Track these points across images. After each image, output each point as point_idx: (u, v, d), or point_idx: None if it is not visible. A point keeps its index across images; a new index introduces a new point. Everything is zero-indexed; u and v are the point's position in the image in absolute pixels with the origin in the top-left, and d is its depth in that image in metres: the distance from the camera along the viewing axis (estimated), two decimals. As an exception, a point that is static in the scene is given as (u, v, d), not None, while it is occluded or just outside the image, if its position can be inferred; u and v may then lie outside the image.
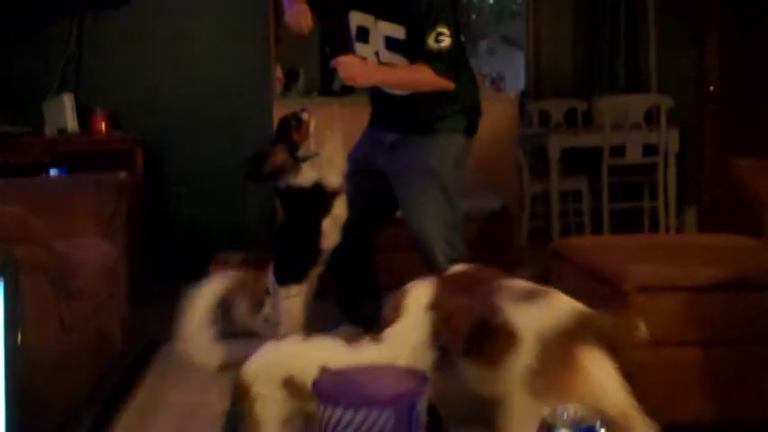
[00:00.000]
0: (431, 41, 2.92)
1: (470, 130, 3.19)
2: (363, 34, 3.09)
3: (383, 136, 3.20)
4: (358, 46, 3.12)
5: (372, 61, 3.07)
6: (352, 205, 3.07)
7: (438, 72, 2.93)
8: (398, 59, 3.04)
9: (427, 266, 3.05)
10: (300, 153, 2.98)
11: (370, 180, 3.19)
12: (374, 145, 3.23)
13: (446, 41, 2.93)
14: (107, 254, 3.33)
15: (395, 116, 3.18)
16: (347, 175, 3.09)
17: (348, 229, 3.07)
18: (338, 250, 3.08)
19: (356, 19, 3.10)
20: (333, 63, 2.97)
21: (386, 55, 3.05)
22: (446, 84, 2.98)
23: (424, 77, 2.96)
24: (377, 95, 3.23)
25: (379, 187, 3.18)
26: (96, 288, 3.09)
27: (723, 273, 2.59)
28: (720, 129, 5.98)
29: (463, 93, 3.11)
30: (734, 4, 5.87)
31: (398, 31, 3.00)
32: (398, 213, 3.31)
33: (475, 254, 4.37)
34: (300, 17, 3.05)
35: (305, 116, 3.01)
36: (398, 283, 3.46)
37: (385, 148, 3.18)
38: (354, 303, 3.36)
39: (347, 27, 3.13)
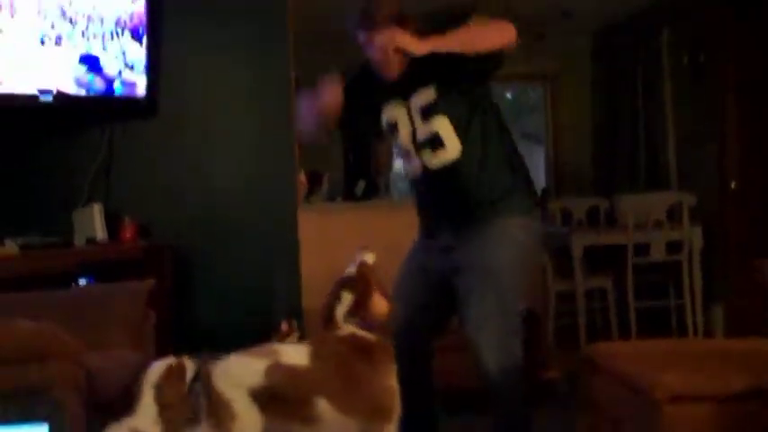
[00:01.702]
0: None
1: (528, 206, 3.02)
2: (393, 128, 3.04)
3: (434, 242, 3.03)
4: (393, 137, 3.07)
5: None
6: (411, 316, 2.98)
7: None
8: (438, 120, 2.91)
9: (479, 375, 2.96)
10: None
11: (426, 288, 3.06)
12: (426, 252, 3.06)
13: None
14: (137, 364, 3.33)
15: (446, 209, 3.01)
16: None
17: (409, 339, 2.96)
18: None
19: (387, 114, 3.03)
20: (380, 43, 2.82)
21: (423, 127, 2.93)
22: (508, 27, 2.85)
23: (482, 27, 2.85)
24: (422, 189, 3.08)
25: (435, 293, 3.05)
26: (127, 400, 3.09)
27: (755, 381, 2.56)
28: (744, 225, 5.97)
29: (520, 162, 3.04)
30: (752, 97, 5.93)
31: (429, 94, 2.91)
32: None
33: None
34: (333, 96, 2.94)
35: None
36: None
37: (438, 252, 3.01)
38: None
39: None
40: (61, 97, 4.20)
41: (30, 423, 2.05)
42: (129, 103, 4.50)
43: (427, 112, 2.91)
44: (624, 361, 2.94)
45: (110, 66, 4.35)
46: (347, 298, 2.60)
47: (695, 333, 5.71)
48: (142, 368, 3.00)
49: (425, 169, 2.98)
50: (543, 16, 6.91)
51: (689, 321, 5.71)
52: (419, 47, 2.77)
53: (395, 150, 3.21)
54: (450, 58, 2.76)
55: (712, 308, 5.98)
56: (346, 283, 2.64)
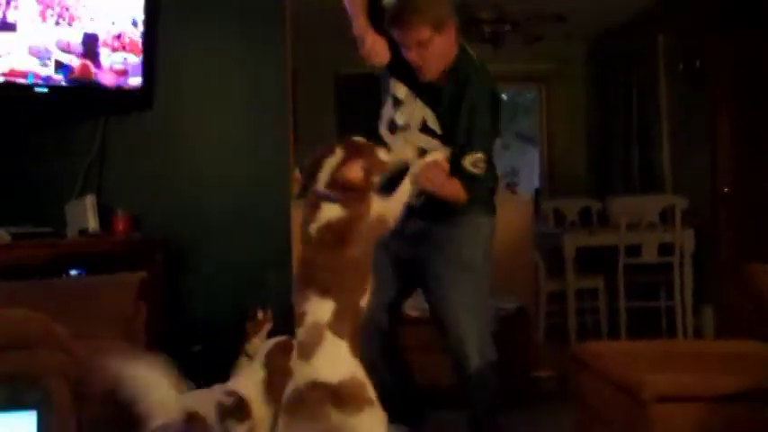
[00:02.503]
0: (467, 164, 2.91)
1: (493, 209, 3.17)
2: (398, 103, 3.08)
3: (401, 225, 2.93)
4: (394, 112, 3.09)
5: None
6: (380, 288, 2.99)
7: (467, 193, 2.94)
8: (430, 142, 2.99)
9: (457, 364, 3.06)
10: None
11: (394, 271, 3.13)
12: (395, 237, 2.98)
13: (481, 169, 2.93)
14: (127, 356, 3.34)
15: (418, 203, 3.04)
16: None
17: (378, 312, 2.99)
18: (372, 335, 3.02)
19: (398, 90, 3.07)
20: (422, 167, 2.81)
21: (419, 137, 3.02)
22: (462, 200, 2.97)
23: (455, 192, 2.94)
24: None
25: (401, 278, 3.16)
26: (117, 391, 3.09)
27: (743, 382, 2.57)
28: (735, 228, 6.00)
29: (490, 177, 3.09)
30: (745, 103, 5.95)
31: (434, 123, 2.99)
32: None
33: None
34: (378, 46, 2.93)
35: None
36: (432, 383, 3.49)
37: (405, 238, 3.06)
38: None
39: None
40: (56, 88, 4.19)
41: (18, 410, 2.05)
42: (125, 94, 4.50)
43: (426, 130, 3.01)
44: (613, 361, 2.96)
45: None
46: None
47: (685, 334, 5.74)
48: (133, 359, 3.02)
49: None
50: (539, 20, 6.93)
51: (679, 323, 5.74)
52: (439, 189, 2.90)
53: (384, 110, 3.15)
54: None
55: (702, 310, 6.00)
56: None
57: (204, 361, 4.02)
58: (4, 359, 2.48)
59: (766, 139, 5.77)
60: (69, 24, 4.19)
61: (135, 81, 4.48)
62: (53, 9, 4.11)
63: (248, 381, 2.83)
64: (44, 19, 4.09)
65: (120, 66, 4.41)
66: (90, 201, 4.34)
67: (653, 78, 7.04)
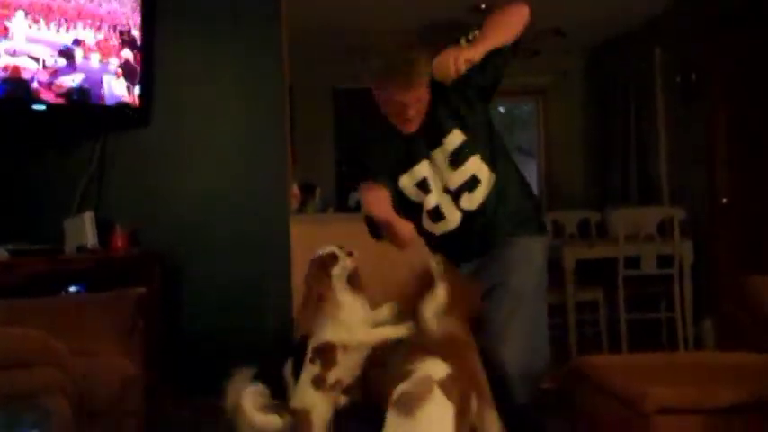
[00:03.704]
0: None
1: (544, 227, 3.02)
2: (425, 184, 2.89)
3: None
4: (427, 197, 2.90)
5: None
6: None
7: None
8: (471, 161, 2.83)
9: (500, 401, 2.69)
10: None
11: None
12: None
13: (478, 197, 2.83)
14: (125, 371, 3.34)
15: (472, 242, 2.90)
16: None
17: None
18: None
19: (411, 176, 2.88)
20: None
21: (455, 174, 2.84)
22: (520, 5, 2.92)
23: (503, 15, 2.89)
24: (451, 235, 2.91)
25: None
26: (115, 407, 3.09)
27: (743, 394, 2.57)
28: (734, 240, 6.00)
29: (529, 188, 3.01)
30: (742, 115, 5.96)
31: (456, 136, 2.82)
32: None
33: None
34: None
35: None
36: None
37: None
38: None
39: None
40: (54, 106, 4.20)
41: (18, 430, 2.04)
42: (123, 112, 4.50)
43: (457, 157, 2.82)
44: (614, 373, 2.95)
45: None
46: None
47: (686, 346, 5.72)
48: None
49: (464, 213, 2.87)
50: (536, 34, 6.94)
51: (679, 334, 5.73)
52: (477, 52, 2.74)
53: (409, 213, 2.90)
54: (464, 81, 2.76)
55: (703, 321, 5.99)
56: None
57: (203, 376, 4.01)
58: (2, 377, 2.47)
59: (763, 151, 5.77)
60: (67, 42, 4.21)
61: (133, 98, 4.49)
62: (53, 25, 4.12)
63: None
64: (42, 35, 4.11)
65: (118, 83, 4.41)
66: (88, 217, 4.35)
67: (650, 91, 7.06)
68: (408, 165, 2.87)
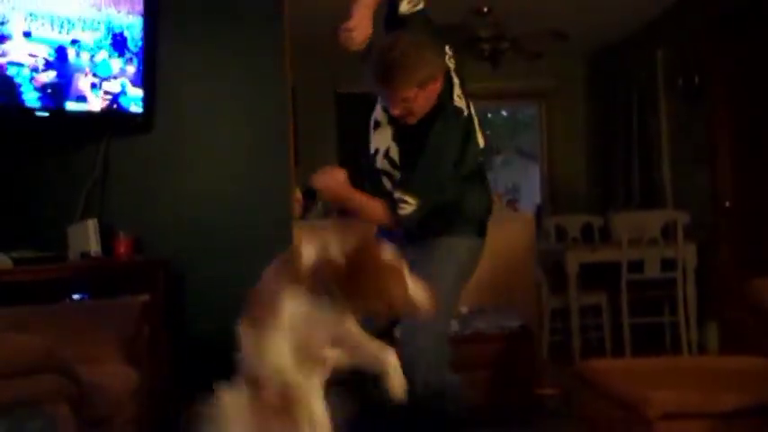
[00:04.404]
0: (395, 196, 2.90)
1: (482, 231, 3.11)
2: (377, 125, 3.10)
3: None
4: (373, 133, 3.11)
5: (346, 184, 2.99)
6: None
7: (391, 213, 2.90)
8: (390, 171, 3.03)
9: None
10: None
11: None
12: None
13: (404, 211, 2.87)
14: (130, 379, 3.34)
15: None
16: None
17: None
18: None
19: (377, 112, 3.09)
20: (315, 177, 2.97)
21: (383, 162, 3.04)
22: (389, 222, 2.94)
23: (376, 215, 2.93)
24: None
25: None
26: (119, 415, 3.09)
27: (747, 399, 2.57)
28: (737, 243, 6.00)
29: (469, 209, 3.06)
30: (744, 118, 5.96)
31: (395, 154, 3.02)
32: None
33: (496, 371, 4.39)
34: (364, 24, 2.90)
35: None
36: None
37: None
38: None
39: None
40: (57, 112, 4.21)
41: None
42: (126, 118, 4.51)
43: (395, 165, 3.01)
44: (617, 378, 2.95)
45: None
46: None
47: (689, 350, 5.72)
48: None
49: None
50: (538, 37, 6.95)
51: (683, 338, 5.72)
52: (334, 196, 3.05)
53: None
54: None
55: (706, 325, 5.99)
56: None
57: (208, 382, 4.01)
58: (7, 386, 2.47)
59: (766, 153, 5.77)
60: (68, 48, 4.22)
61: (135, 104, 4.49)
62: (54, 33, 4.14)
63: None
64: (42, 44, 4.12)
65: (120, 89, 4.42)
66: (92, 224, 4.34)
67: (652, 94, 7.06)
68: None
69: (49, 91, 4.15)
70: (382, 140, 3.09)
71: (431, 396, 2.84)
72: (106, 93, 4.36)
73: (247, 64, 4.85)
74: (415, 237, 3.02)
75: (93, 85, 4.31)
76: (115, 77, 4.39)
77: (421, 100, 2.86)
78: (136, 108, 4.49)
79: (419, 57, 2.81)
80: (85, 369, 2.87)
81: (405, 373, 2.61)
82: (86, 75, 4.27)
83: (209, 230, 4.72)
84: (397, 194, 2.90)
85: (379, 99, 3.09)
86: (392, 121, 3.03)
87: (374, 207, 2.93)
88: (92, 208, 4.57)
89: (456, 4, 6.23)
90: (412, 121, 2.93)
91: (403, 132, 3.02)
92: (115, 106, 4.41)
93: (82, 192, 4.58)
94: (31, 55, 4.08)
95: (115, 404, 3.04)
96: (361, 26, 2.88)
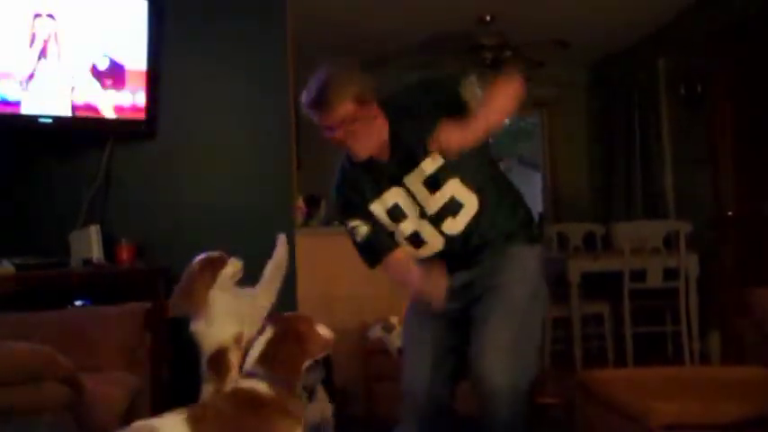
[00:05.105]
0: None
1: (539, 237, 2.95)
2: (397, 211, 2.82)
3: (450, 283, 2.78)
4: (401, 224, 2.83)
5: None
6: (436, 362, 2.86)
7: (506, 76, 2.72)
8: (450, 184, 2.74)
9: (487, 418, 2.67)
10: None
11: (448, 330, 2.89)
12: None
13: (460, 221, 2.76)
14: (131, 386, 3.34)
15: (463, 257, 2.82)
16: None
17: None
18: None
19: (383, 203, 2.82)
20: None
21: (433, 199, 2.76)
22: (520, 81, 2.76)
23: (509, 86, 2.72)
24: (438, 255, 2.83)
25: (456, 332, 2.85)
26: (121, 422, 3.08)
27: (749, 410, 2.56)
28: (740, 253, 5.99)
29: (522, 209, 2.91)
30: (747, 127, 5.96)
31: (435, 160, 2.72)
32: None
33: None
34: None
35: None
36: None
37: (455, 292, 2.80)
38: None
39: None
40: (60, 119, 4.22)
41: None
42: (128, 125, 4.51)
43: (434, 181, 2.74)
44: (619, 388, 2.95)
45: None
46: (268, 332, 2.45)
47: (692, 359, 5.71)
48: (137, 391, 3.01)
49: (446, 237, 2.80)
50: (540, 45, 6.96)
51: (685, 348, 5.71)
52: (475, 135, 2.55)
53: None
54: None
55: (709, 335, 5.98)
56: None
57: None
58: (9, 393, 2.47)
59: (768, 163, 5.78)
60: (71, 55, 4.23)
61: (138, 111, 4.50)
62: (56, 40, 4.15)
63: None
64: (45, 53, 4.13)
65: (124, 96, 4.43)
66: (94, 230, 4.35)
67: (654, 102, 7.06)
68: (378, 192, 2.80)
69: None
70: (401, 199, 2.82)
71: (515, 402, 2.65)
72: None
73: (249, 71, 4.86)
74: (472, 272, 2.84)
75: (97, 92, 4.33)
76: (118, 85, 4.40)
77: (362, 124, 2.68)
78: (138, 116, 4.50)
79: (350, 74, 2.71)
80: (88, 376, 2.87)
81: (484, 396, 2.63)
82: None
83: (211, 237, 4.70)
84: (454, 187, 2.73)
85: (344, 170, 2.89)
86: (390, 181, 2.80)
87: (499, 87, 2.71)
88: (94, 215, 4.58)
89: (459, 12, 6.24)
90: (360, 154, 2.74)
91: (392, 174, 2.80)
92: (118, 114, 4.42)
93: (84, 199, 4.59)
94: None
95: (117, 412, 3.04)
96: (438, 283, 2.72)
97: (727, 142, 6.11)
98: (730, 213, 6.04)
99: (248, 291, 3.03)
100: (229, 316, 2.91)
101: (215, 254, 3.09)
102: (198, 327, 2.93)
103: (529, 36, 6.83)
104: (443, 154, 2.63)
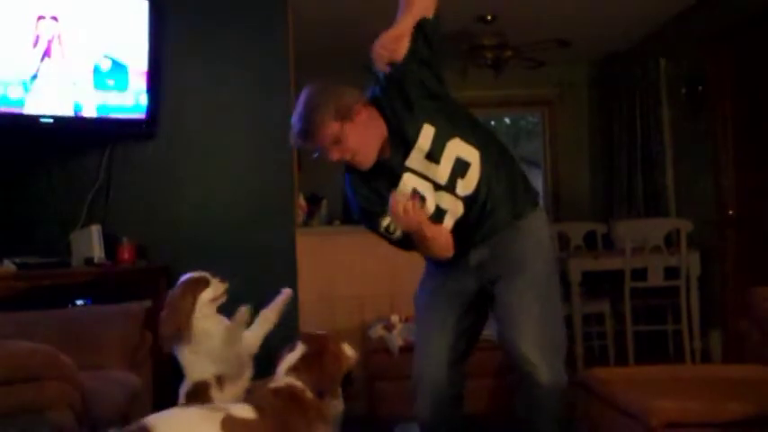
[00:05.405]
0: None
1: (537, 195, 2.96)
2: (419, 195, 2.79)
3: (465, 263, 2.84)
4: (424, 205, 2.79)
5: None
6: (452, 343, 2.87)
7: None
8: (451, 145, 2.74)
9: (527, 392, 2.73)
10: None
11: (465, 310, 2.90)
12: (456, 277, 2.87)
13: (469, 187, 2.77)
14: (132, 386, 3.34)
15: (478, 226, 2.81)
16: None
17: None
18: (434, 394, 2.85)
19: (409, 183, 2.79)
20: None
21: (441, 167, 2.75)
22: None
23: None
24: (456, 227, 2.83)
25: (474, 312, 2.91)
26: (122, 421, 3.09)
27: (750, 409, 2.57)
28: (741, 251, 5.99)
29: (519, 171, 2.91)
30: (748, 126, 5.96)
31: (428, 132, 2.73)
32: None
33: (501, 379, 4.38)
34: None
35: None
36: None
37: (472, 271, 2.85)
38: None
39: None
40: (62, 119, 4.22)
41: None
42: (130, 125, 4.52)
43: (435, 152, 2.74)
44: (620, 386, 2.95)
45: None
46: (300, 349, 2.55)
47: (693, 358, 5.71)
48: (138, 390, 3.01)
49: (464, 200, 2.78)
50: (541, 45, 6.96)
51: (686, 346, 5.71)
52: (404, 26, 2.71)
53: None
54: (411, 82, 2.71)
55: (710, 333, 5.98)
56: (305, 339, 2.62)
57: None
58: (11, 392, 2.48)
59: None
60: (74, 56, 4.24)
61: (139, 111, 4.51)
62: (59, 41, 4.16)
63: None
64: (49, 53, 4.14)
65: (125, 96, 4.44)
66: (95, 230, 4.36)
67: (656, 102, 7.05)
68: (394, 186, 2.78)
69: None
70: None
71: (556, 393, 2.74)
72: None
73: (250, 71, 4.86)
74: (489, 249, 2.84)
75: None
76: (119, 84, 4.41)
77: (354, 135, 2.70)
78: (139, 116, 4.51)
79: (326, 93, 2.73)
80: (89, 375, 2.88)
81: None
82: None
83: (213, 237, 4.73)
84: (455, 148, 2.73)
85: (353, 185, 2.87)
86: (400, 171, 2.79)
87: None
88: (95, 214, 4.59)
89: (460, 11, 6.24)
90: (366, 163, 2.75)
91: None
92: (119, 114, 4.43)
93: (85, 198, 4.59)
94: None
95: (118, 411, 3.04)
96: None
97: (729, 141, 6.10)
98: (731, 212, 6.03)
99: (244, 332, 2.93)
100: (216, 353, 2.84)
101: (197, 275, 2.96)
102: (182, 353, 2.84)
103: (529, 35, 6.83)
104: (380, 62, 2.71)
